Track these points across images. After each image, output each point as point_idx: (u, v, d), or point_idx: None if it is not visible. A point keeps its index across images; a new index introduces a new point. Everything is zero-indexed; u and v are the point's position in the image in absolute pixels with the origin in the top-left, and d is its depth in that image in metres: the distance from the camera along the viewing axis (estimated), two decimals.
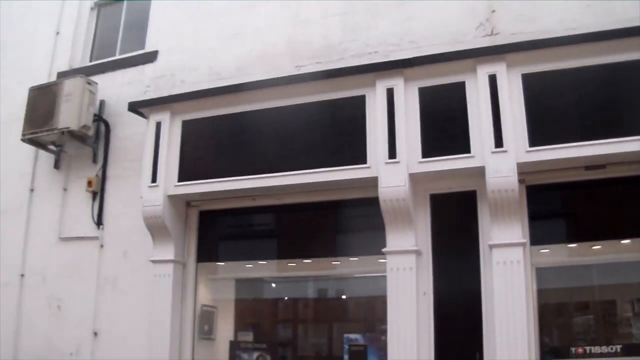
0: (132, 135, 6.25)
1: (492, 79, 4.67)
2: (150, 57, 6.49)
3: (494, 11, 5.06)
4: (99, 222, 6.18)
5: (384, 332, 4.70)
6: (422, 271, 4.64)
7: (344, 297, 6.13)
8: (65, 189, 6.51)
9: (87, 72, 6.73)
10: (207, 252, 5.73)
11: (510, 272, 4.26)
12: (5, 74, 7.50)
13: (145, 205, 5.40)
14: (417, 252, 4.65)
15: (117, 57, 6.92)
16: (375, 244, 4.87)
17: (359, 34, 5.54)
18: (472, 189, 4.69)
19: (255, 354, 5.55)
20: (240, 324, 5.99)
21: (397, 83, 4.91)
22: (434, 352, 4.50)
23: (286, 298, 6.40)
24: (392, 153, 4.75)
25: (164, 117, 5.57)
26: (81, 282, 6.11)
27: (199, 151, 5.48)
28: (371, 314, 5.76)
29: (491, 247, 4.40)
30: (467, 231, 4.68)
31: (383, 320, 4.75)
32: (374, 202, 4.79)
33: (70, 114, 6.03)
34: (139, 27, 6.94)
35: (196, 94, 5.56)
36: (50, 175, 6.68)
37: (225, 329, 5.84)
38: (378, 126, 4.85)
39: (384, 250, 4.74)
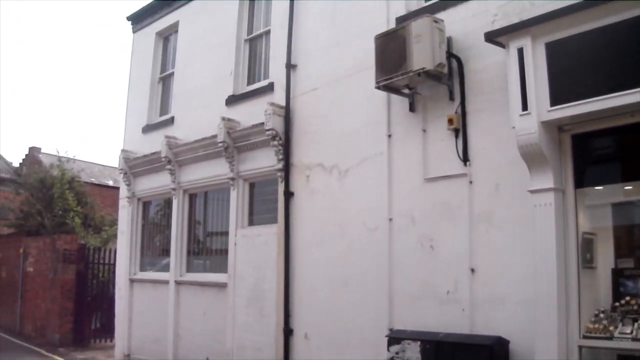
0: (486, 68, 7.88)
1: None
2: None
3: None
4: (465, 159, 7.97)
5: None
6: None
7: None
8: (424, 130, 8.49)
9: (427, 12, 8.47)
10: (583, 177, 7.03)
11: None
12: (341, 30, 9.95)
13: (519, 135, 6.90)
14: None
15: None
16: None
17: None
18: None
19: None
20: (619, 251, 7.15)
21: None
22: None
23: None
24: None
25: (525, 42, 6.96)
26: (452, 220, 8.01)
27: (568, 72, 6.73)
28: None
29: None
30: None
31: None
32: None
33: (423, 55, 7.86)
34: None
35: (557, 13, 6.73)
36: (406, 119, 8.74)
37: (604, 256, 7.09)
38: None
39: None
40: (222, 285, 11.43)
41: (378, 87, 8.48)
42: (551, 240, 6.78)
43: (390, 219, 8.71)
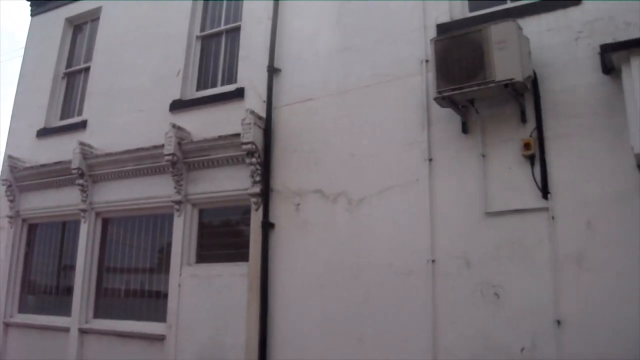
0: (570, 88, 6.89)
1: None
2: (572, 0, 7.20)
3: None
4: (544, 191, 6.75)
5: None
6: None
7: None
8: (483, 156, 7.16)
9: (472, 23, 7.41)
10: None
11: None
12: (352, 33, 8.58)
13: None
14: None
15: (517, 4, 7.62)
16: None
17: None
18: None
19: None
20: None
21: None
22: None
23: None
24: None
25: None
26: (527, 263, 6.68)
27: None
28: None
29: None
30: None
31: None
32: None
33: (509, 64, 6.61)
34: None
35: None
36: (455, 141, 7.38)
37: None
38: None
39: None
40: (157, 338, 8.97)
41: (438, 99, 7.04)
42: None
43: (433, 261, 7.15)
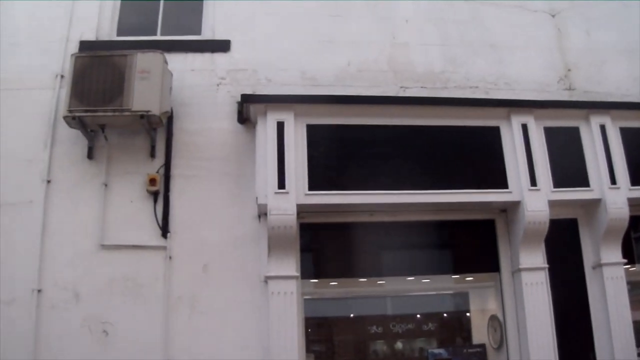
0: (202, 131, 6.87)
1: (603, 128, 6.84)
2: (221, 46, 7.30)
3: (569, 70, 7.63)
4: (164, 229, 6.48)
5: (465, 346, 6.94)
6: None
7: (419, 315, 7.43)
8: (105, 185, 6.61)
9: (119, 47, 6.95)
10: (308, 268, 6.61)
11: None
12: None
13: (272, 214, 6.04)
14: (546, 269, 6.52)
15: (168, 37, 7.44)
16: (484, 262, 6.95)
17: (459, 67, 7.59)
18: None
19: None
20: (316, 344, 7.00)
21: (529, 120, 6.78)
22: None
23: (363, 315, 7.46)
24: (533, 181, 6.56)
25: (287, 117, 6.38)
26: (139, 301, 6.27)
27: (326, 159, 6.43)
28: (446, 328, 7.39)
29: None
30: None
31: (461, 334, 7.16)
32: (486, 223, 6.93)
33: (149, 95, 6.29)
34: (186, 7, 7.68)
35: (329, 98, 6.71)
36: (79, 166, 6.67)
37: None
38: (519, 156, 6.62)
39: (521, 267, 6.47)
40: None
41: (68, 117, 6.33)
42: (293, 334, 6.04)
43: (39, 291, 6.24)
